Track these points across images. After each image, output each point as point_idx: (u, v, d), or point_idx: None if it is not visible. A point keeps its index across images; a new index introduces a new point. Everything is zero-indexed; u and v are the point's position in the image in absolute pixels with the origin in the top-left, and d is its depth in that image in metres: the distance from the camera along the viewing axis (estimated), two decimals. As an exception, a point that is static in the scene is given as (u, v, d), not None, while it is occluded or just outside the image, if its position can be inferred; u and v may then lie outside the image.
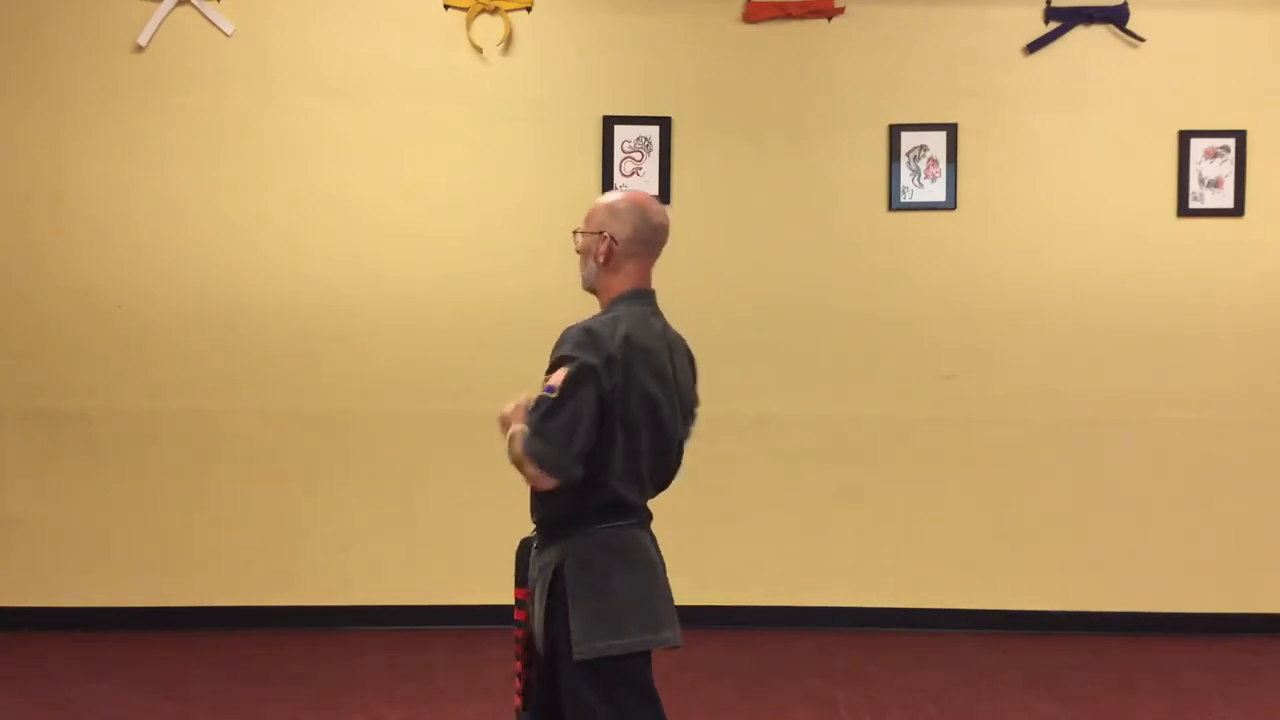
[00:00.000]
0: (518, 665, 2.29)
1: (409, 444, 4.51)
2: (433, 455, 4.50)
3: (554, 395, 2.14)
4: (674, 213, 4.33)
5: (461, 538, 4.42)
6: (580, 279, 2.35)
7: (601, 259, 2.29)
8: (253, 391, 4.47)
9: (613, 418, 2.19)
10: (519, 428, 2.18)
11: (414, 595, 4.50)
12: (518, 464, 2.17)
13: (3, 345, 4.44)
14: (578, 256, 2.35)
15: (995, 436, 4.52)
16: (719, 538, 4.46)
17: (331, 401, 4.48)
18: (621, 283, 2.30)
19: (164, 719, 3.63)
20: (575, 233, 2.35)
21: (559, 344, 2.23)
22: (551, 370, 2.19)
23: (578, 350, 2.17)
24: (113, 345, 4.44)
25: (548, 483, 2.14)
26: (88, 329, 4.44)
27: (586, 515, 2.23)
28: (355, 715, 3.64)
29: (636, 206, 2.31)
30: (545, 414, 2.14)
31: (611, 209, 2.30)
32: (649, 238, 2.31)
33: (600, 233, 2.29)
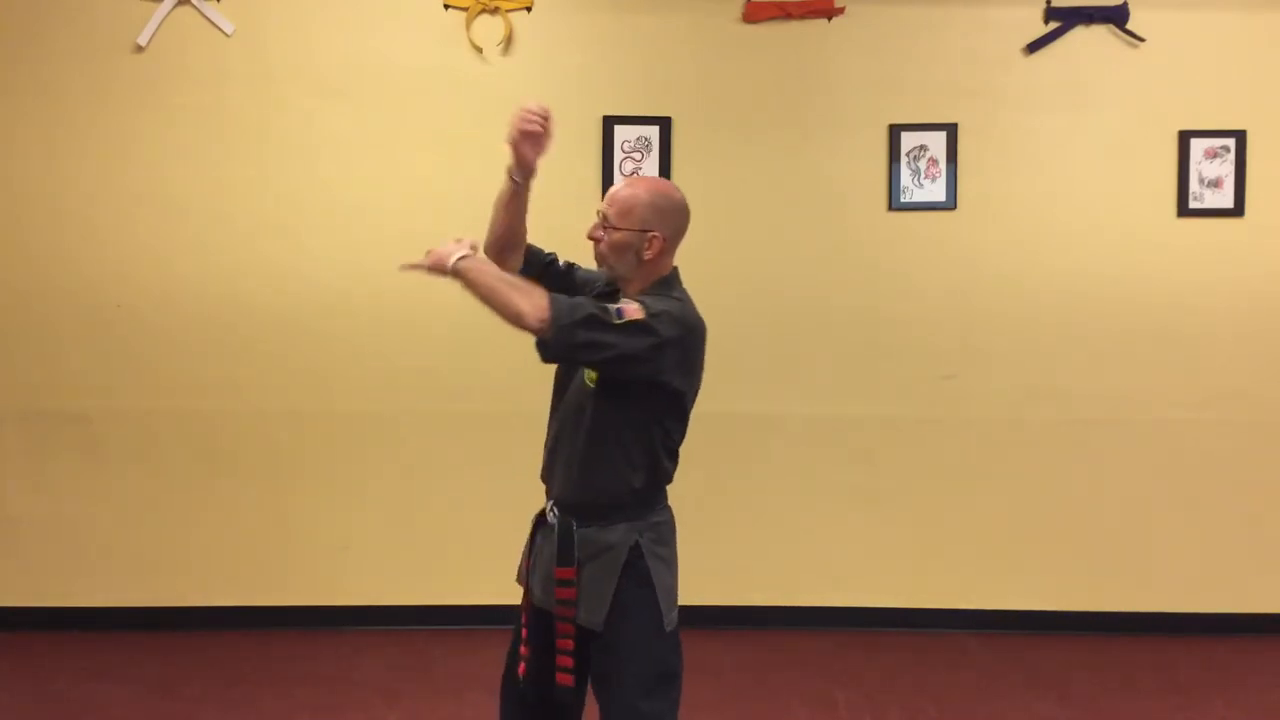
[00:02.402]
0: (569, 644, 2.29)
1: (409, 444, 4.51)
2: (433, 455, 4.50)
3: (618, 323, 2.15)
4: (674, 213, 4.39)
5: (461, 538, 4.42)
6: (602, 263, 2.36)
7: (649, 256, 2.30)
8: (253, 391, 4.47)
9: (686, 399, 2.31)
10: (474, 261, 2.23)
11: (414, 595, 4.50)
12: (520, 291, 2.16)
13: (3, 345, 4.44)
14: (598, 243, 2.33)
15: (995, 436, 4.53)
16: (719, 537, 4.45)
17: (331, 401, 4.48)
18: (660, 270, 2.36)
19: (164, 719, 3.63)
20: (609, 228, 2.31)
21: (654, 294, 2.26)
22: (637, 301, 2.21)
23: (658, 308, 2.20)
24: (113, 345, 4.44)
25: (528, 323, 2.12)
26: (88, 329, 4.43)
27: (658, 494, 2.35)
28: (355, 715, 3.65)
29: (678, 206, 2.35)
30: (600, 322, 2.14)
31: (655, 209, 2.31)
32: (684, 229, 2.38)
33: (644, 230, 2.29)
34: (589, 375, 2.29)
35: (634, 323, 2.17)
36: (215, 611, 4.48)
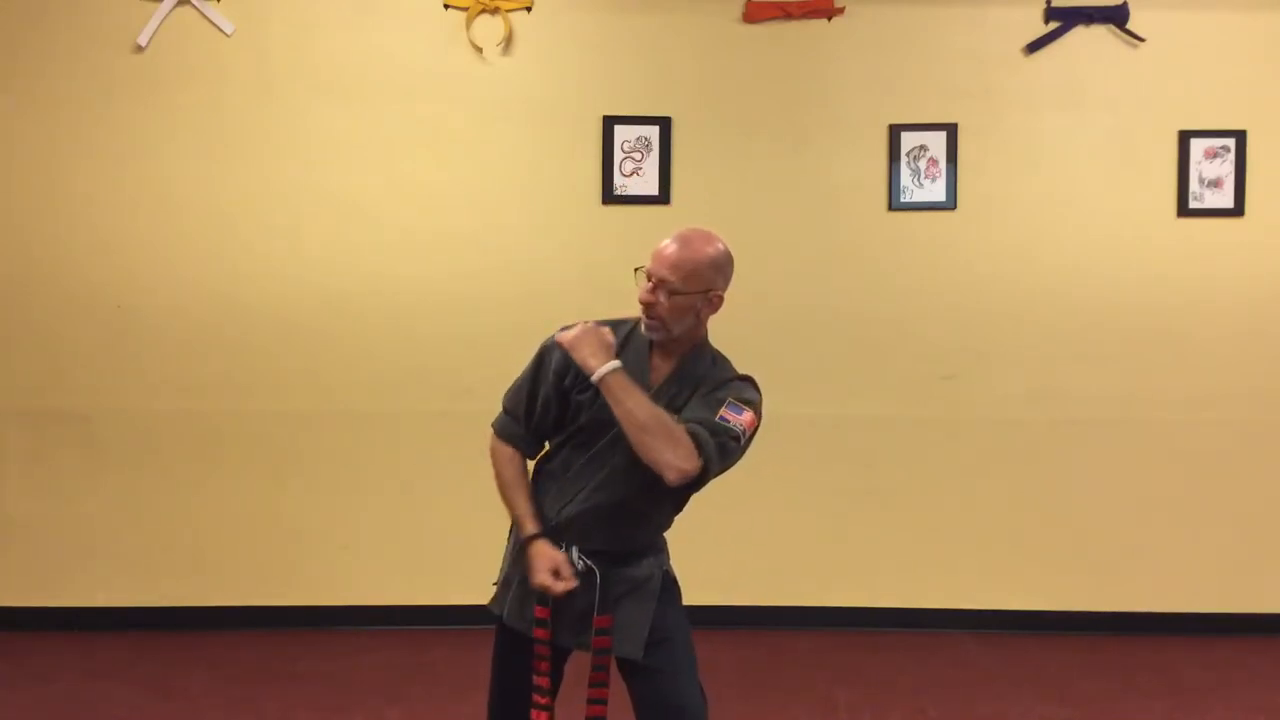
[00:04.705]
0: (604, 676, 2.31)
1: (409, 444, 4.51)
2: (433, 455, 4.50)
3: (738, 432, 2.21)
4: (674, 213, 4.40)
5: (461, 538, 4.41)
6: (658, 329, 2.27)
7: (709, 314, 2.32)
8: (252, 391, 4.47)
9: None
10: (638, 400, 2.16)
11: (414, 595, 4.50)
12: (666, 438, 2.14)
13: (3, 345, 4.44)
14: (658, 305, 2.24)
15: (995, 436, 4.52)
16: (718, 537, 4.45)
17: (332, 401, 4.48)
18: (704, 327, 2.37)
19: (164, 719, 3.63)
20: (673, 293, 2.23)
21: (742, 386, 2.30)
22: (739, 404, 2.24)
23: (757, 401, 2.30)
24: (113, 345, 4.44)
25: (682, 477, 2.16)
26: (88, 329, 4.43)
27: None
28: (355, 715, 3.65)
29: (730, 257, 2.31)
30: (729, 439, 2.20)
31: (715, 266, 2.28)
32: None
33: (708, 290, 2.28)
34: None
35: (753, 433, 2.25)
36: (215, 611, 4.48)
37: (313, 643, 4.34)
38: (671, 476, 2.15)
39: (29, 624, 4.41)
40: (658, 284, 2.24)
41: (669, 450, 2.14)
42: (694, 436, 2.17)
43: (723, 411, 2.22)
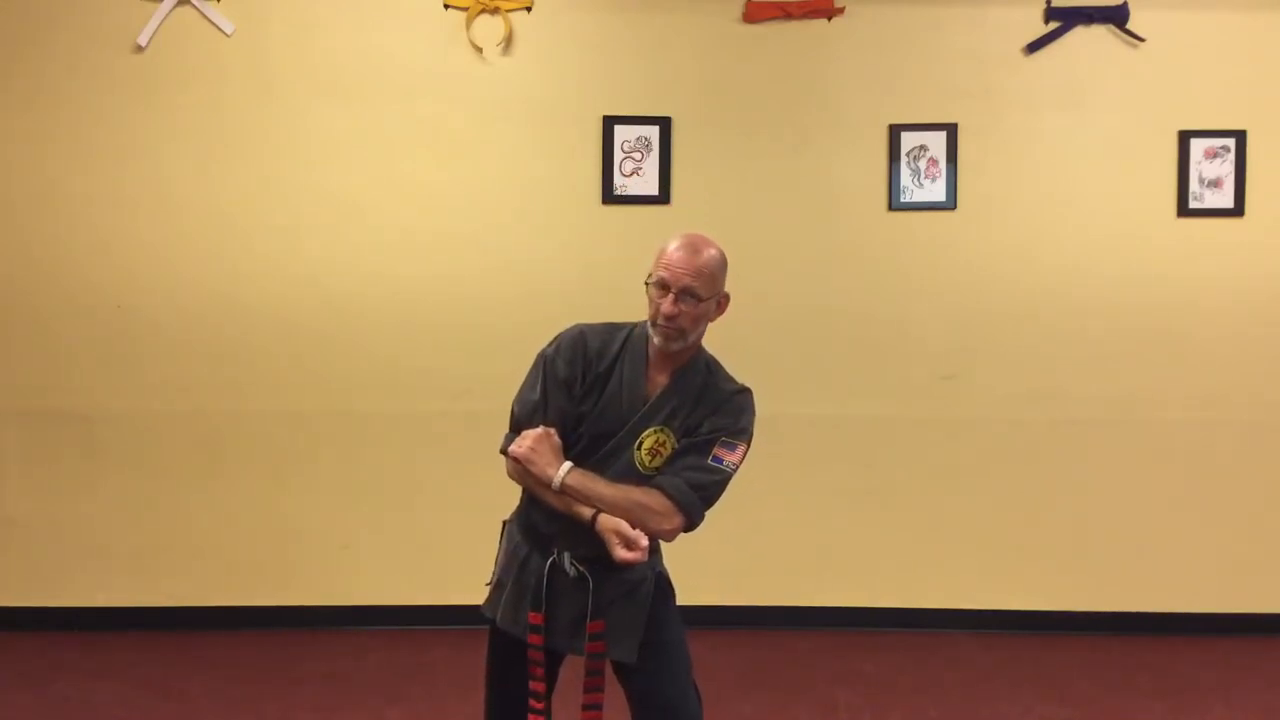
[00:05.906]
0: (600, 681, 2.33)
1: (408, 444, 4.51)
2: (432, 455, 4.50)
3: (730, 472, 2.26)
4: (674, 213, 4.40)
5: (461, 537, 4.41)
6: (678, 338, 2.25)
7: (718, 316, 2.33)
8: (253, 391, 4.47)
9: None
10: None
11: (414, 595, 4.50)
12: (641, 511, 2.20)
13: (3, 345, 4.44)
14: (681, 316, 2.21)
15: (995, 436, 4.52)
16: (718, 537, 4.42)
17: (331, 401, 4.48)
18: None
19: (164, 719, 3.63)
20: (700, 300, 2.21)
21: (740, 410, 2.30)
22: (733, 439, 2.26)
23: (751, 424, 2.31)
24: (113, 345, 4.44)
25: (674, 535, 2.26)
26: (88, 329, 4.43)
27: None
28: (355, 715, 3.65)
29: (725, 258, 2.30)
30: (717, 486, 2.25)
31: (724, 266, 2.29)
32: None
33: (721, 293, 2.30)
34: (642, 462, 2.28)
35: (744, 457, 2.29)
36: (215, 611, 4.48)
37: (312, 643, 4.34)
38: (667, 537, 2.25)
39: (29, 624, 4.42)
40: (680, 294, 2.21)
41: (650, 521, 2.20)
42: (672, 495, 2.21)
43: (716, 451, 2.26)
